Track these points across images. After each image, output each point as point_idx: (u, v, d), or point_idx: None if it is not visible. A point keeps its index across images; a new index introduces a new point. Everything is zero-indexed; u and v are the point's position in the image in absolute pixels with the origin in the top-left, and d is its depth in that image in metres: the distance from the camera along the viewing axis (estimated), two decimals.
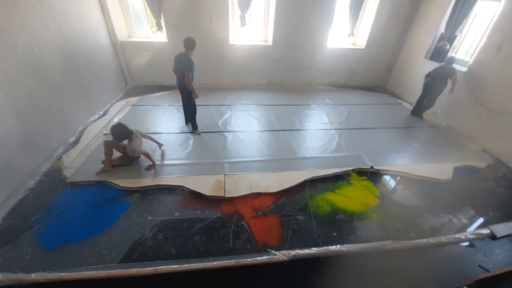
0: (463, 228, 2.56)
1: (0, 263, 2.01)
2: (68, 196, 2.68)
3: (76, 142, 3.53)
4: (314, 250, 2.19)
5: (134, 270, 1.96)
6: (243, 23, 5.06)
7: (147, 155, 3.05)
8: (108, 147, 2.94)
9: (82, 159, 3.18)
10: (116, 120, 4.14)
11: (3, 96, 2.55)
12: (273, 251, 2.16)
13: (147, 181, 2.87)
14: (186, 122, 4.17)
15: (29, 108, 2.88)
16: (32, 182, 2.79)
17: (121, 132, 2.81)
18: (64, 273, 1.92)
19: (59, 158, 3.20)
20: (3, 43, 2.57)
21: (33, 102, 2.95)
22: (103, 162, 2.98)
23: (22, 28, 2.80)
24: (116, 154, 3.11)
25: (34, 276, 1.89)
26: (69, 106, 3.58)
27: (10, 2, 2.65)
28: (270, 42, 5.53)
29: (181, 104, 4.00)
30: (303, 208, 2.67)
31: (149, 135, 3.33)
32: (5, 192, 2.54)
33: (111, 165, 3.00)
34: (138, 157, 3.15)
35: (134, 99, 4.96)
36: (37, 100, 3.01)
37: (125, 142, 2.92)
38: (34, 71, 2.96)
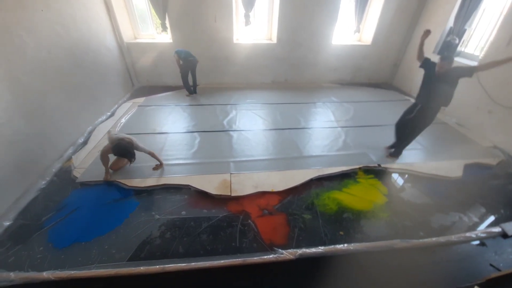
0: (474, 226, 2.51)
1: (12, 262, 2.06)
2: (78, 196, 2.74)
3: (85, 143, 3.60)
4: (321, 249, 2.18)
5: (143, 268, 1.99)
6: (247, 22, 5.06)
7: (153, 155, 3.04)
8: (105, 155, 2.82)
9: (91, 159, 3.24)
10: (123, 120, 4.19)
11: (13, 98, 2.61)
12: (280, 250, 2.16)
13: (154, 181, 2.90)
14: (195, 91, 5.34)
15: (38, 110, 2.94)
16: (43, 182, 2.85)
17: (125, 152, 2.70)
18: (74, 271, 1.97)
19: (69, 158, 3.27)
20: (13, 47, 2.63)
21: (42, 104, 3.01)
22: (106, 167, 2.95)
23: (30, 31, 2.85)
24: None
25: (46, 275, 1.93)
26: (78, 108, 3.65)
27: (19, 6, 2.71)
28: (274, 40, 5.51)
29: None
30: (309, 206, 2.66)
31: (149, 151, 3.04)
32: (16, 192, 2.61)
33: (114, 169, 3.02)
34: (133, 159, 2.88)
35: (140, 100, 5.01)
36: (46, 102, 3.07)
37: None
38: (43, 74, 3.03)
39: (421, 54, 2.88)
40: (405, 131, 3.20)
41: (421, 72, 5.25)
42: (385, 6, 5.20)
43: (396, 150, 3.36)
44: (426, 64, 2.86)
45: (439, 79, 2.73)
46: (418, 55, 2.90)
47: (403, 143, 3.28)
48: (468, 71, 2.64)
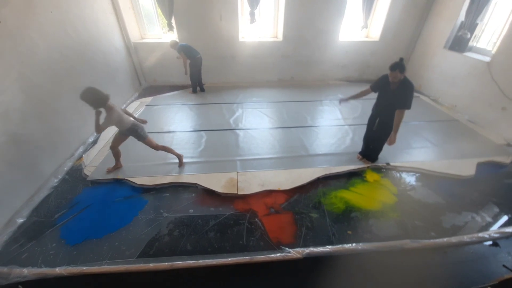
0: (487, 226, 2.44)
1: (26, 258, 2.13)
2: (89, 194, 2.80)
3: (95, 142, 3.67)
4: (328, 248, 2.17)
5: (152, 265, 2.02)
6: (252, 20, 5.04)
7: (149, 142, 2.86)
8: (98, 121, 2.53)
9: (101, 158, 3.30)
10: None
11: (27, 99, 2.67)
12: (287, 249, 2.16)
13: (162, 179, 2.94)
14: (203, 89, 5.44)
15: (50, 109, 3.01)
16: (56, 180, 2.93)
17: (95, 96, 2.41)
18: (86, 267, 2.01)
19: (80, 157, 3.34)
20: (25, 49, 2.69)
21: (54, 104, 3.08)
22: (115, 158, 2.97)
23: (41, 33, 2.91)
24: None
25: (58, 270, 1.98)
26: (88, 107, 3.70)
27: (28, 8, 2.76)
28: (280, 38, 5.47)
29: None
30: (316, 205, 2.64)
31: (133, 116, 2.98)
32: (30, 190, 2.69)
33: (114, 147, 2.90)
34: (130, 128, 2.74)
35: (148, 99, 5.07)
36: (58, 102, 3.14)
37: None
38: (54, 75, 3.09)
39: (363, 92, 2.94)
40: (372, 141, 3.14)
41: (431, 67, 5.14)
42: (394, 1, 5.08)
43: (371, 157, 3.24)
44: (377, 83, 2.80)
45: (394, 91, 2.60)
46: (364, 94, 2.95)
47: (375, 151, 3.19)
48: (407, 104, 2.56)
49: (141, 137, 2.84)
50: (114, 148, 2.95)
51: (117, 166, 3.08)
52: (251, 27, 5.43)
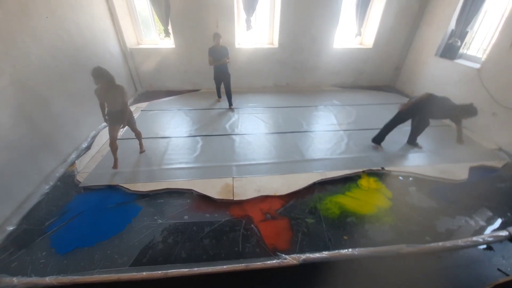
0: (481, 230, 2.47)
1: (15, 267, 2.06)
2: (81, 201, 2.74)
3: (88, 148, 3.62)
4: (325, 254, 2.15)
5: (145, 274, 1.98)
6: (248, 26, 5.10)
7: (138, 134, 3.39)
8: (100, 99, 2.91)
9: (94, 164, 3.26)
10: None
11: (18, 103, 2.64)
12: (283, 255, 2.14)
13: (157, 185, 2.90)
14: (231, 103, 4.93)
15: (42, 115, 2.97)
16: (47, 187, 2.86)
17: (102, 72, 2.78)
18: (77, 277, 1.96)
19: (72, 163, 3.29)
20: (17, 53, 2.67)
21: (47, 109, 3.04)
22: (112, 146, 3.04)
23: (35, 38, 2.90)
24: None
25: (48, 280, 1.93)
26: (81, 113, 3.68)
27: (23, 13, 2.76)
28: (276, 44, 5.54)
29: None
30: (312, 211, 2.64)
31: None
32: (20, 197, 2.63)
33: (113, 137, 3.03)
34: (124, 118, 2.96)
35: (143, 105, 5.05)
36: (51, 107, 3.10)
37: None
38: (47, 79, 3.06)
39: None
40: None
41: (423, 74, 5.24)
42: (386, 9, 5.22)
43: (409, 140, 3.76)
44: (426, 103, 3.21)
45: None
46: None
47: (414, 136, 3.69)
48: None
49: (133, 121, 3.22)
50: (114, 141, 3.02)
51: (117, 161, 3.17)
52: (247, 34, 5.49)
